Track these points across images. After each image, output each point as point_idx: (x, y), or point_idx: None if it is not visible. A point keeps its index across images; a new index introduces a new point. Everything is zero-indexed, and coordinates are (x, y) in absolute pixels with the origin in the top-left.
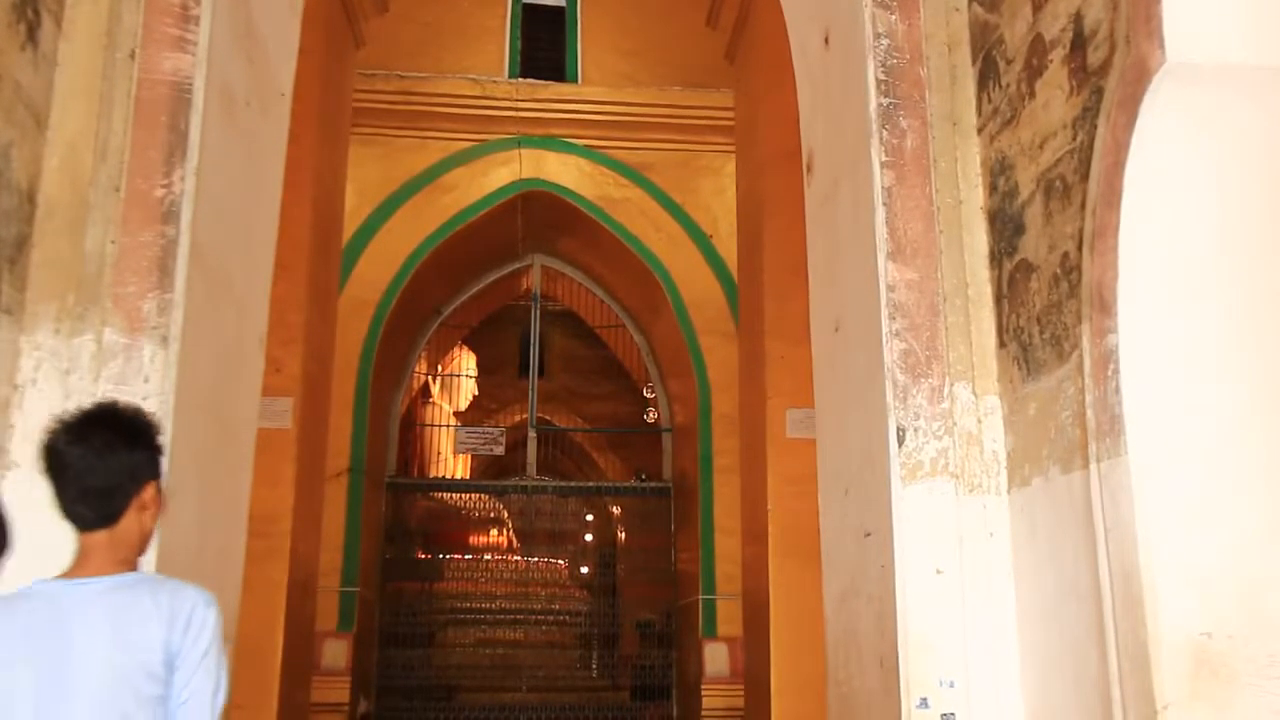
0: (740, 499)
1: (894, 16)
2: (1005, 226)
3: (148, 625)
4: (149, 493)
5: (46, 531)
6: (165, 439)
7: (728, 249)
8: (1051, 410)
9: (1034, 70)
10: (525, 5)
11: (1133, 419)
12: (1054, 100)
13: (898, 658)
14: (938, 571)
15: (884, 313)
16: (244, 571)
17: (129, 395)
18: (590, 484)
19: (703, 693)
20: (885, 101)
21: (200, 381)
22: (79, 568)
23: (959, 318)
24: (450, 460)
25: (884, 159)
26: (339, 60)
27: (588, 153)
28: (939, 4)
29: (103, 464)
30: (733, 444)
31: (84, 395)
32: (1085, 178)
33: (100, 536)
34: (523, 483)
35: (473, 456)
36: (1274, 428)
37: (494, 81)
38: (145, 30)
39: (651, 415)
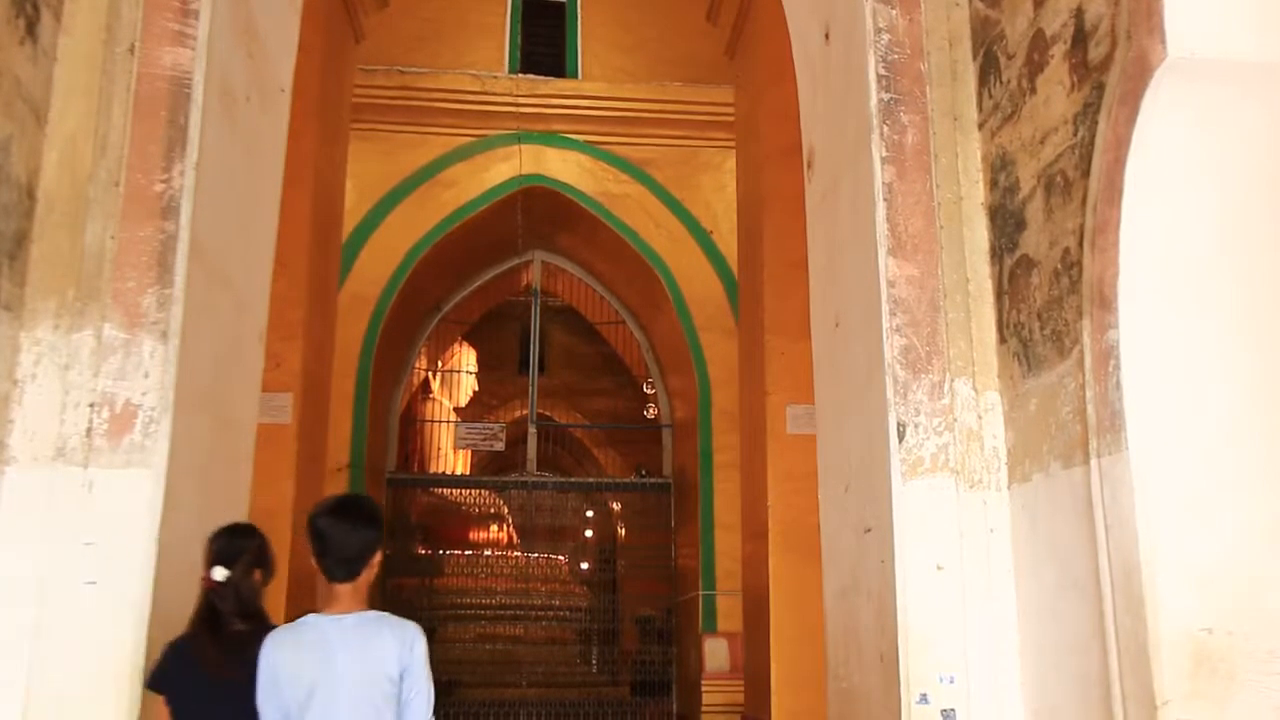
0: (740, 495)
1: (895, 11)
2: (1006, 222)
3: (386, 647)
4: (376, 559)
5: (45, 528)
6: (164, 434)
7: (728, 245)
8: (1052, 406)
9: (1035, 66)
10: (525, 0)
11: (1133, 415)
12: (1055, 96)
13: (898, 653)
14: (938, 567)
15: (884, 308)
16: None
17: (128, 391)
18: (590, 480)
19: (703, 688)
20: (886, 97)
21: (199, 377)
22: (333, 607)
23: (959, 313)
24: (450, 456)
25: (884, 154)
26: (339, 55)
27: (588, 148)
28: None
29: (350, 540)
30: (733, 440)
31: (83, 391)
32: (1086, 174)
33: (346, 588)
34: (523, 478)
35: (473, 452)
36: (1274, 424)
37: (494, 77)
38: (145, 25)
39: (651, 411)
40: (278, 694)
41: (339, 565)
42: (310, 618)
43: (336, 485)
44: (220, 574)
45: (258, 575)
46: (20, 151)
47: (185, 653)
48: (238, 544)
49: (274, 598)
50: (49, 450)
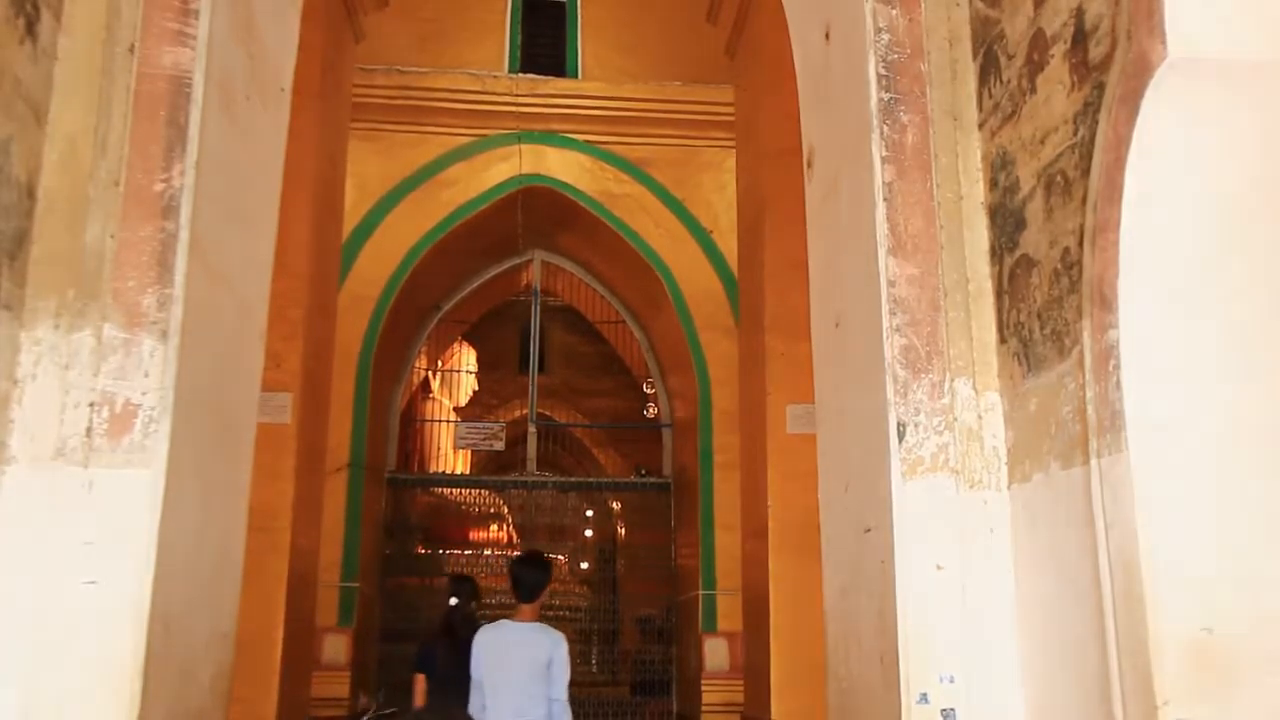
0: (740, 494)
1: (895, 11)
2: (1006, 222)
3: (541, 645)
4: (545, 591)
5: (45, 528)
6: (163, 434)
7: (728, 244)
8: (1052, 406)
9: (1035, 65)
10: (525, 0)
11: (1134, 415)
12: (1055, 95)
13: (898, 653)
14: (938, 567)
15: (884, 308)
16: (244, 566)
17: (128, 390)
18: (590, 479)
19: (703, 688)
20: (886, 96)
21: (200, 376)
22: (519, 617)
23: (959, 313)
24: (450, 456)
25: (884, 154)
26: (339, 55)
27: (588, 148)
28: None
29: (529, 578)
30: (733, 439)
31: (83, 390)
32: (1086, 173)
33: (528, 607)
34: (523, 478)
35: (473, 452)
36: (1274, 423)
37: (494, 76)
38: (144, 24)
39: (651, 411)
40: (478, 664)
41: (524, 592)
42: (504, 622)
43: (336, 485)
44: (454, 602)
45: (473, 605)
46: (20, 151)
47: (433, 649)
48: (463, 585)
49: (270, 604)
50: (49, 450)
